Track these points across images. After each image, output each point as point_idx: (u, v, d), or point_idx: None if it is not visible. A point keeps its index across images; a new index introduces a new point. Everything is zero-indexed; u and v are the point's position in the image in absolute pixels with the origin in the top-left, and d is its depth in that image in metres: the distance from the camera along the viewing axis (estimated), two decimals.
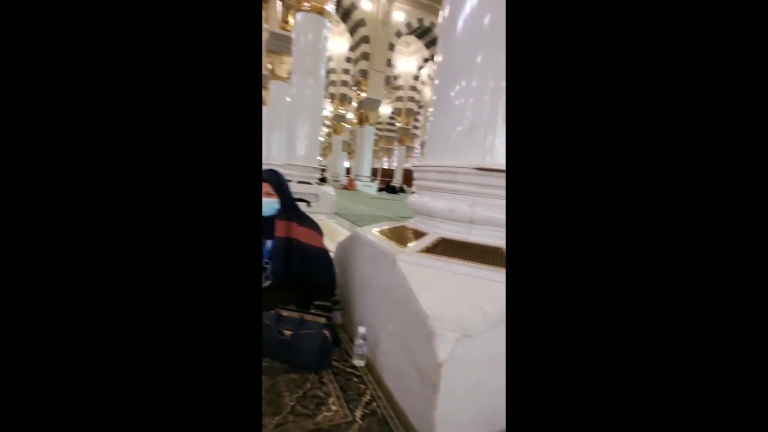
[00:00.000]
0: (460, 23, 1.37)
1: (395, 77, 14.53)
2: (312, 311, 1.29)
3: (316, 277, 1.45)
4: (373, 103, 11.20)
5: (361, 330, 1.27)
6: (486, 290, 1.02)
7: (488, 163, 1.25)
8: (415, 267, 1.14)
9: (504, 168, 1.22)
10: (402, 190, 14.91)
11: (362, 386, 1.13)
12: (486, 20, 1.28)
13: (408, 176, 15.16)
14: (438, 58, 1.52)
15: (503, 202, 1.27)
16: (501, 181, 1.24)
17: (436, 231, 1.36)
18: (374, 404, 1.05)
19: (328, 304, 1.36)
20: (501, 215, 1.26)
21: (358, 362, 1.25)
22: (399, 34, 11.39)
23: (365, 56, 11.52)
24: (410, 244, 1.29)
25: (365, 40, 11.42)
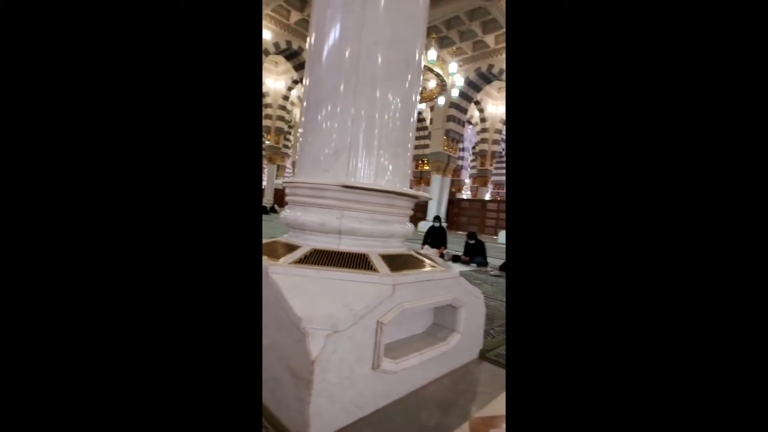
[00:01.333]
0: (325, 52, 1.52)
1: (264, 95, 14.11)
2: None
3: None
4: None
5: None
6: (354, 291, 1.15)
7: (353, 182, 1.41)
8: (288, 277, 1.18)
9: (365, 186, 1.40)
10: (274, 210, 14.27)
11: None
12: (347, 53, 1.46)
13: (280, 195, 14.66)
14: (306, 81, 1.64)
15: (367, 215, 1.45)
16: (364, 197, 1.42)
17: (308, 243, 1.43)
18: None
19: None
20: (365, 226, 1.43)
21: None
22: (266, 53, 11.19)
23: None
24: (283, 258, 1.33)
25: None
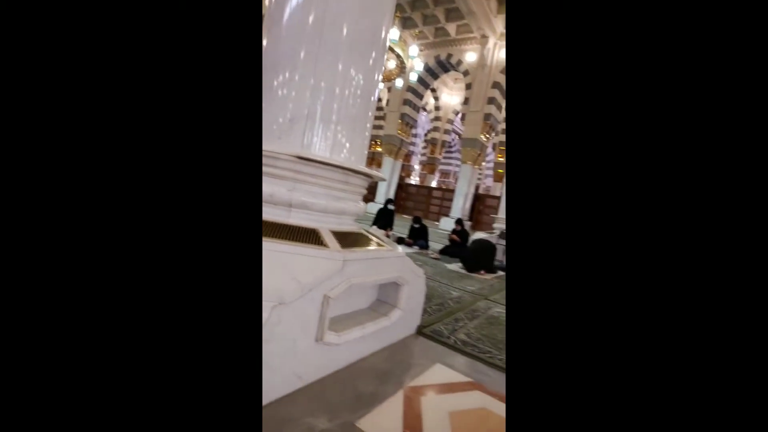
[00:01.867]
0: (287, 14, 1.42)
1: None
2: None
3: None
4: None
5: None
6: (303, 265, 1.14)
7: (308, 154, 1.38)
8: None
9: (322, 159, 1.37)
10: None
11: None
12: (310, 18, 1.39)
13: None
14: (263, 41, 1.53)
15: (320, 190, 1.43)
16: (318, 170, 1.39)
17: None
18: None
19: None
20: (317, 201, 1.41)
21: None
22: None
23: None
24: None
25: None
